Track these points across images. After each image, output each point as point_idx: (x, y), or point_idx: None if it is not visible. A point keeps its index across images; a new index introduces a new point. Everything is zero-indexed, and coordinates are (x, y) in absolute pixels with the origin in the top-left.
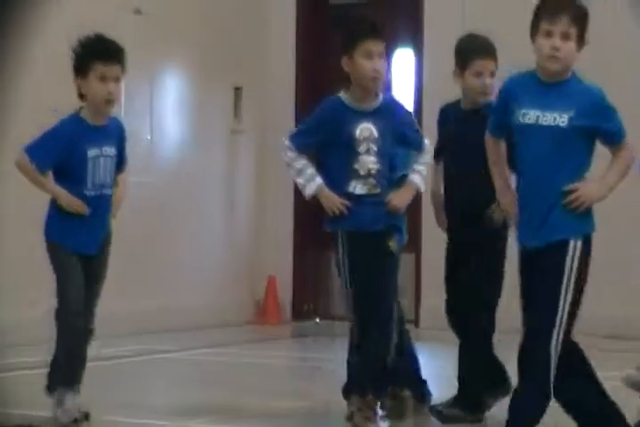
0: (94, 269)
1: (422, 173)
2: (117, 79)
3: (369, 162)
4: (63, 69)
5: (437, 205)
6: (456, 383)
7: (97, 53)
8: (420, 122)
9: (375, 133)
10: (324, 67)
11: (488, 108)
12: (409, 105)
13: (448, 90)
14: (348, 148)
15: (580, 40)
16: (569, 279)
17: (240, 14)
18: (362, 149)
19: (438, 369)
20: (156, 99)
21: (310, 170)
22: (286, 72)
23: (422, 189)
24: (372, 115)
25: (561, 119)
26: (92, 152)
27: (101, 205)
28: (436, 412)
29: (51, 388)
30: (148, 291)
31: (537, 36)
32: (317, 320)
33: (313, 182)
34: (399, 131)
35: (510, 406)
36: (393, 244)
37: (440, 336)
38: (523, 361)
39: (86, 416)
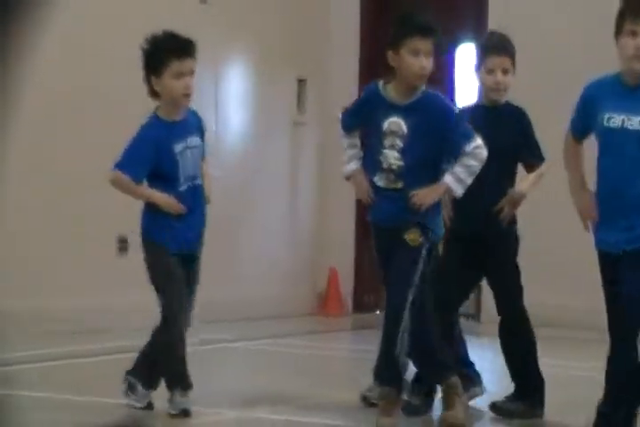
0: (194, 268)
1: (460, 176)
2: (192, 73)
3: (391, 157)
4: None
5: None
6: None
7: (171, 50)
8: None
9: (404, 129)
10: (383, 62)
11: (501, 107)
12: (472, 99)
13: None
14: (376, 139)
15: None
16: None
17: (304, 6)
18: (387, 142)
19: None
20: (220, 90)
21: (351, 151)
22: (350, 64)
23: (456, 191)
24: (406, 110)
25: None
26: (178, 147)
27: (196, 197)
28: (496, 407)
29: (131, 375)
30: (214, 282)
31: (621, 36)
32: (378, 312)
33: (349, 165)
34: (437, 130)
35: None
36: (410, 236)
37: None
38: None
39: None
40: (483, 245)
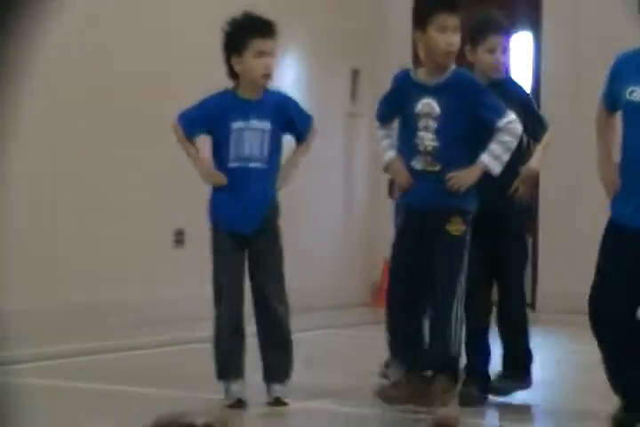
0: (254, 251)
1: (495, 153)
2: (273, 54)
3: (427, 139)
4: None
5: None
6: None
7: (254, 30)
8: (538, 104)
9: (437, 110)
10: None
11: (500, 83)
12: (527, 87)
13: (565, 73)
14: (411, 122)
15: None
16: None
17: None
18: (421, 124)
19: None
20: (275, 79)
21: (386, 141)
22: (403, 56)
23: (493, 169)
24: (437, 90)
25: None
26: (236, 124)
27: (249, 179)
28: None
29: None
30: None
31: None
32: None
33: (386, 155)
34: (469, 108)
35: None
36: (452, 227)
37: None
38: None
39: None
40: (495, 223)
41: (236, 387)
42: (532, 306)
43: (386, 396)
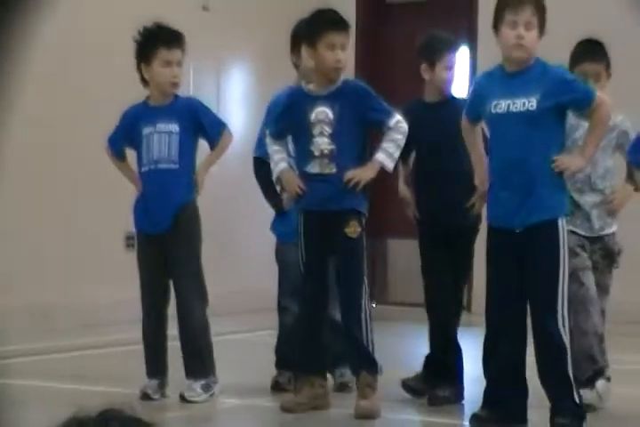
0: (171, 250)
1: (389, 151)
2: (179, 63)
3: (322, 143)
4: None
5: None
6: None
7: (160, 40)
8: None
9: (330, 116)
10: (381, 62)
11: (452, 99)
12: (463, 96)
13: None
14: (306, 131)
15: (542, 29)
16: (564, 258)
17: (301, 11)
18: (316, 131)
19: None
20: (222, 91)
21: (278, 156)
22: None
23: (388, 165)
24: (329, 98)
25: (530, 104)
26: (146, 130)
27: (158, 181)
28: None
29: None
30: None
31: (501, 26)
32: (374, 305)
33: (278, 167)
34: (360, 113)
35: None
36: (349, 229)
37: None
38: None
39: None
40: (451, 236)
41: (149, 383)
42: (468, 307)
43: (287, 404)
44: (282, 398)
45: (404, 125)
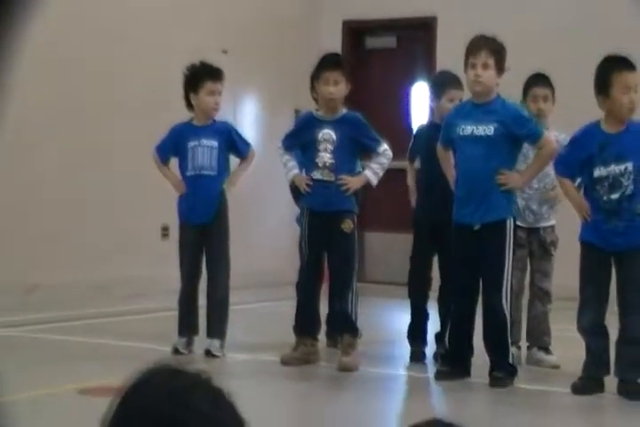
0: (209, 238)
1: (375, 170)
2: (220, 93)
3: (325, 157)
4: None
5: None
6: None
7: (207, 74)
8: None
9: (333, 137)
10: (361, 95)
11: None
12: (422, 123)
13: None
14: (314, 146)
15: (499, 68)
16: (509, 250)
17: (299, 53)
18: (321, 147)
19: None
20: (238, 117)
21: (291, 163)
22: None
23: (373, 181)
24: (333, 123)
25: (489, 130)
26: (191, 143)
27: (200, 184)
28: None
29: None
30: None
31: (466, 68)
32: None
33: (291, 172)
34: (356, 138)
35: None
36: (345, 225)
37: None
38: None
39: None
40: (441, 230)
41: (179, 340)
42: None
43: (286, 358)
44: (282, 353)
45: (390, 153)
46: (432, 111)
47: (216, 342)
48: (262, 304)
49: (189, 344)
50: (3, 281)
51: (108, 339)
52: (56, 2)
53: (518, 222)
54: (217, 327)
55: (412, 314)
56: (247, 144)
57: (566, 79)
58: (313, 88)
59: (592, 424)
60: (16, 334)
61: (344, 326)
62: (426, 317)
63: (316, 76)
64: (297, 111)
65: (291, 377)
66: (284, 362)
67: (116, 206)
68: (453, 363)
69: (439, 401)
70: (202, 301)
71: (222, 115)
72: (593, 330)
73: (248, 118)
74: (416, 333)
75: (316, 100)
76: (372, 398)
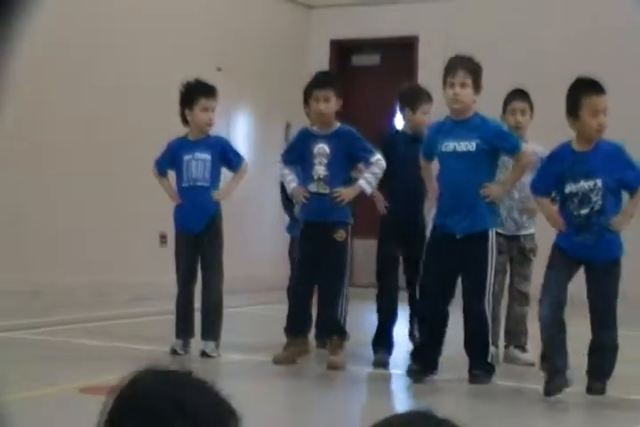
0: (202, 246)
1: (369, 180)
2: (213, 109)
3: (320, 170)
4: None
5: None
6: None
7: (201, 91)
8: None
9: (327, 151)
10: (348, 109)
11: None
12: (388, 132)
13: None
14: (309, 159)
15: (476, 86)
16: (492, 259)
17: (290, 70)
18: (316, 161)
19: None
20: (231, 131)
21: (290, 177)
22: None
23: (367, 190)
24: (326, 138)
25: (470, 146)
26: (186, 157)
27: (195, 194)
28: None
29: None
30: None
31: (444, 87)
32: None
33: (290, 185)
34: (350, 151)
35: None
36: (337, 235)
37: None
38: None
39: None
40: (408, 235)
41: (176, 342)
42: None
43: (278, 357)
44: (274, 354)
45: (383, 162)
46: (405, 122)
47: (211, 344)
48: (257, 307)
49: (186, 346)
50: (8, 286)
51: (110, 341)
52: (54, 18)
53: (500, 230)
54: (212, 330)
55: (378, 319)
56: (239, 157)
57: (544, 95)
58: (307, 104)
59: (559, 419)
60: (21, 336)
61: (333, 329)
62: (393, 320)
63: (308, 94)
64: (288, 125)
65: (283, 376)
66: (276, 361)
67: (117, 216)
68: (424, 362)
69: (421, 397)
70: (197, 304)
71: (216, 129)
72: (547, 322)
73: (241, 132)
74: (380, 340)
75: (308, 115)
76: (360, 394)
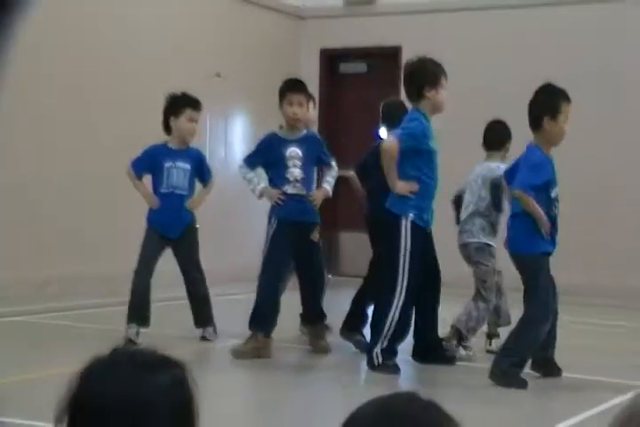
0: (179, 248)
1: (331, 183)
2: (197, 121)
3: (296, 172)
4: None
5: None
6: None
7: (189, 102)
8: None
9: (300, 154)
10: (336, 114)
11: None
12: (372, 145)
13: None
14: (282, 163)
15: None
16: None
17: (283, 77)
18: (290, 163)
19: None
20: (228, 132)
21: (256, 179)
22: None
23: (330, 193)
24: (298, 141)
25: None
26: (167, 164)
27: (173, 201)
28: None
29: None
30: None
31: (441, 89)
32: (330, 276)
33: (259, 186)
34: (316, 154)
35: None
36: (314, 235)
37: None
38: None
39: None
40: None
41: (131, 330)
42: None
43: (236, 352)
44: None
45: (336, 167)
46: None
47: (209, 329)
48: (250, 295)
49: (138, 334)
50: (22, 275)
51: (115, 325)
52: (56, 22)
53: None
54: (207, 318)
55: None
56: (211, 173)
57: (525, 102)
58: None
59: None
60: (33, 321)
61: (321, 318)
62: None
63: (280, 98)
64: (281, 127)
65: (274, 359)
66: (235, 355)
67: (120, 209)
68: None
69: (405, 382)
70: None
71: (215, 130)
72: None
73: (238, 133)
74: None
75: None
76: (342, 378)
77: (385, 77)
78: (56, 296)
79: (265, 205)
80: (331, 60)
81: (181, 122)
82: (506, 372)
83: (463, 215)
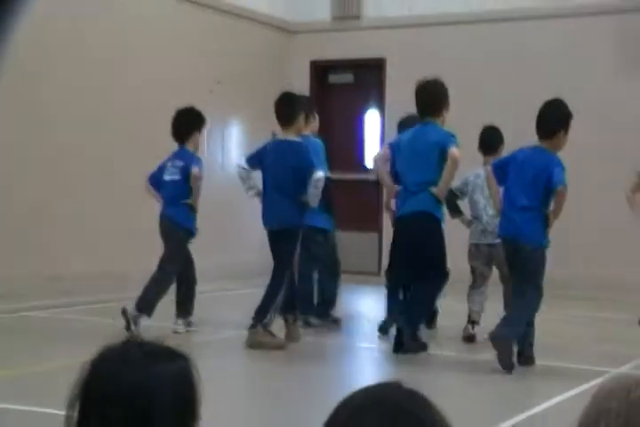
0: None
1: (317, 193)
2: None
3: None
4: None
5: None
6: None
7: (205, 121)
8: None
9: None
10: (325, 121)
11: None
12: (377, 148)
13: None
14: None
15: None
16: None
17: (276, 86)
18: None
19: None
20: (226, 139)
21: (252, 181)
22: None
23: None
24: None
25: None
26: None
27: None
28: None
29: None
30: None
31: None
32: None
33: (253, 189)
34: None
35: None
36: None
37: None
38: None
39: None
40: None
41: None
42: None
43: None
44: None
45: (319, 176)
46: None
47: (181, 321)
48: (249, 290)
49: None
50: (31, 272)
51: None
52: (55, 34)
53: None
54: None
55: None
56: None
57: (514, 110)
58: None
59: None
60: (44, 315)
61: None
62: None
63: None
64: (274, 134)
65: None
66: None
67: (129, 210)
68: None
69: (391, 368)
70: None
71: (213, 137)
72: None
73: (234, 139)
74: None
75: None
76: (337, 363)
77: (370, 87)
78: (64, 292)
79: (257, 208)
80: (320, 71)
81: (200, 137)
82: (509, 339)
83: (482, 215)
